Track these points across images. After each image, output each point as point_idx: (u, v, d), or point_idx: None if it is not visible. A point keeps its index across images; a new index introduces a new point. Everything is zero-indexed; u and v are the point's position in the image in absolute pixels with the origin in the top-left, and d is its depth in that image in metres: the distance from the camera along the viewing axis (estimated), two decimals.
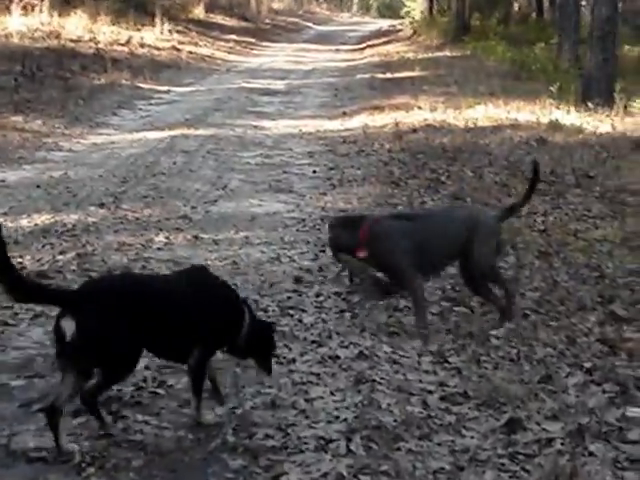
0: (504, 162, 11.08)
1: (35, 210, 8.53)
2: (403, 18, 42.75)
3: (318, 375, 4.90)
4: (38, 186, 9.55)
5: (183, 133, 13.18)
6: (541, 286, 6.52)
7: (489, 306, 5.88)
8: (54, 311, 5.67)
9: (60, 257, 7.07)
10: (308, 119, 15.25)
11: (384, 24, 46.78)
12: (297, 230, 8.14)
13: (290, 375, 4.93)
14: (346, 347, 5.31)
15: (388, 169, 10.71)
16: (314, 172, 10.77)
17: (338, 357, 5.15)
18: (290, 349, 5.30)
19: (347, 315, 5.89)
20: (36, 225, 8.01)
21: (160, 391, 4.72)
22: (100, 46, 20.55)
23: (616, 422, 4.35)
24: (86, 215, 8.44)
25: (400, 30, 38.63)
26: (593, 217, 8.71)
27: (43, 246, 7.38)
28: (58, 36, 19.76)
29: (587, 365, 5.07)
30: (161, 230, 8.03)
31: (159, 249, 7.48)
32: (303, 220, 8.49)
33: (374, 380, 4.79)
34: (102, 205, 8.83)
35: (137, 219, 8.39)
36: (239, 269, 6.94)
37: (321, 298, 6.27)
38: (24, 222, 8.08)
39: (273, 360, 4.69)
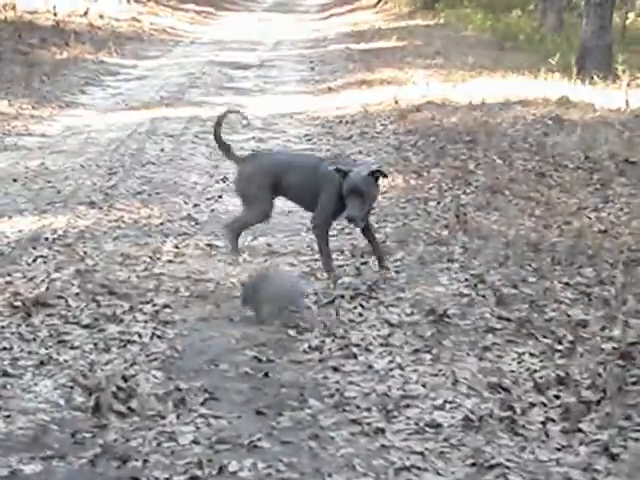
0: (526, 145, 10.04)
1: (17, 211, 7.39)
2: None
3: (422, 455, 3.83)
4: (15, 180, 8.36)
5: (163, 114, 11.97)
6: (639, 308, 5.47)
7: None
8: (62, 355, 4.64)
9: (57, 275, 5.92)
10: (292, 95, 14.12)
11: None
12: None
13: (385, 454, 3.86)
14: (442, 408, 4.24)
15: (403, 155, 9.63)
16: None
17: (439, 425, 4.08)
18: (370, 411, 4.22)
19: (426, 357, 4.81)
20: (21, 231, 6.84)
21: None
22: (58, 18, 19.11)
23: None
24: (76, 217, 7.28)
25: None
26: None
27: (34, 260, 6.23)
28: (14, 7, 18.31)
29: None
30: (167, 236, 6.91)
31: (170, 262, 6.35)
32: None
33: (500, 464, 3.73)
34: (92, 204, 7.68)
35: (136, 222, 7.25)
36: None
37: (385, 330, 5.18)
38: (6, 227, 6.92)
39: (351, 429, 3.88)
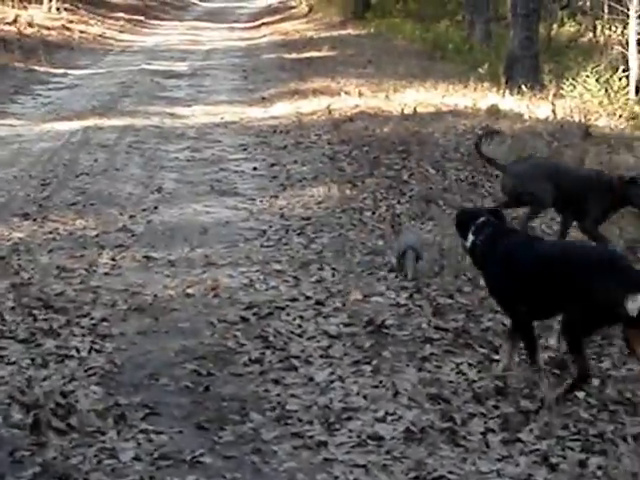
0: (458, 155, 10.17)
1: None
2: None
3: (365, 468, 3.85)
4: None
5: (96, 124, 11.86)
6: None
7: None
8: None
9: None
10: (226, 105, 14.07)
11: (273, 0, 45.41)
12: (261, 246, 7.04)
13: (328, 468, 3.87)
14: (383, 421, 4.27)
15: (337, 165, 9.68)
16: (254, 169, 9.66)
17: (382, 437, 4.10)
18: (312, 424, 4.23)
19: (367, 369, 4.83)
20: None
21: None
22: None
23: None
24: (10, 229, 7.20)
25: (293, 7, 37.38)
26: None
27: None
28: None
29: None
30: (103, 248, 6.85)
31: (107, 274, 6.31)
32: (264, 232, 7.39)
33: (442, 476, 3.77)
34: (26, 216, 7.61)
35: (71, 234, 7.18)
36: (210, 302, 5.81)
37: (325, 341, 5.19)
38: None
39: (294, 442, 3.92)
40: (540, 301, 4.57)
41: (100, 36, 23.97)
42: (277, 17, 33.36)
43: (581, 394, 4.48)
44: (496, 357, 4.94)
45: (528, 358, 4.62)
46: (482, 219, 4.90)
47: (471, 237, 4.88)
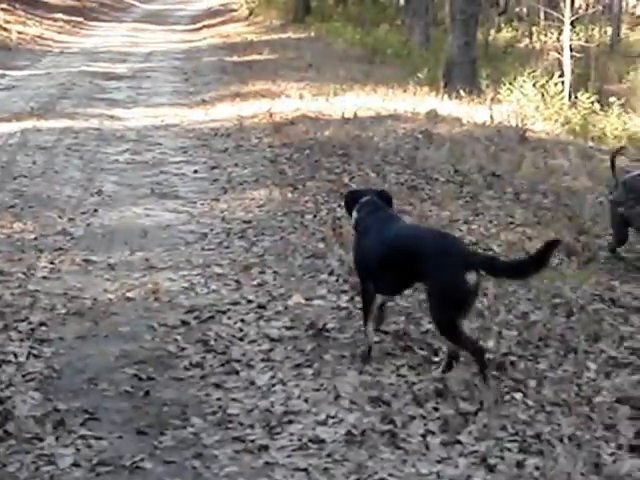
0: (398, 158, 10.24)
1: None
2: None
3: (306, 471, 3.86)
4: None
5: (34, 125, 11.72)
6: (510, 319, 5.65)
7: None
8: None
9: None
10: (166, 107, 13.99)
11: (214, 3, 45.21)
12: (202, 249, 7.01)
13: (269, 472, 3.88)
14: (325, 424, 4.28)
15: (279, 168, 9.67)
16: (195, 172, 9.62)
17: (323, 440, 4.12)
18: (253, 428, 4.23)
19: (308, 372, 4.85)
20: None
21: None
22: None
23: None
24: None
25: (234, 10, 37.26)
26: (520, 225, 7.96)
27: None
28: None
29: (630, 440, 4.19)
30: (42, 252, 6.78)
31: (45, 278, 6.24)
32: (205, 235, 7.37)
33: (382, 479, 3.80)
34: None
35: (9, 237, 7.10)
36: (151, 306, 5.78)
37: (266, 345, 5.19)
38: None
39: (235, 446, 3.96)
40: (385, 278, 4.90)
41: (38, 37, 23.70)
42: (218, 20, 33.24)
43: (518, 395, 4.54)
44: (436, 359, 4.98)
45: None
46: (366, 198, 5.22)
47: (355, 214, 5.23)
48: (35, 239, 7.08)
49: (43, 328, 5.36)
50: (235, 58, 20.75)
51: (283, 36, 25.32)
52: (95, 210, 7.99)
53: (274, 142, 11.04)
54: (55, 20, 27.96)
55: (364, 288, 5.04)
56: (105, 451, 4.02)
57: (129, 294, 5.97)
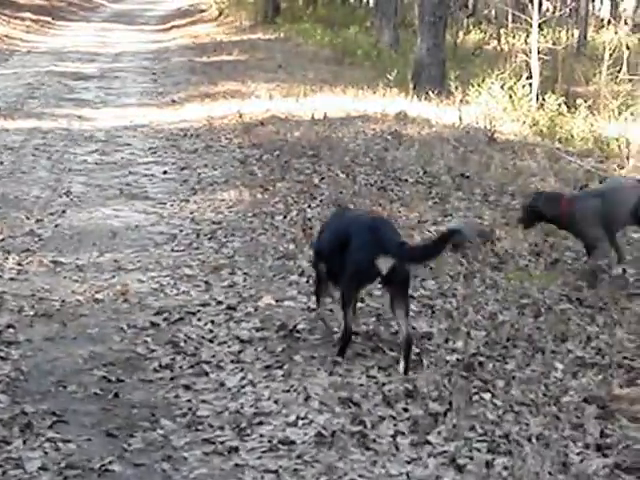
0: (367, 159, 10.26)
1: None
2: None
3: (276, 473, 3.86)
4: None
5: (1, 125, 11.65)
6: (478, 320, 5.68)
7: None
8: None
9: None
10: (135, 108, 13.94)
11: (183, 3, 45.07)
12: (172, 250, 6.99)
13: (239, 474, 3.87)
14: (295, 425, 4.28)
15: (248, 169, 9.66)
16: (165, 173, 9.60)
17: (293, 442, 4.12)
18: (223, 430, 4.23)
19: (278, 373, 4.85)
20: None
21: None
22: None
23: None
24: None
25: (204, 10, 37.17)
26: (488, 226, 7.99)
27: None
28: None
29: (597, 439, 4.23)
30: (9, 253, 6.73)
31: (12, 279, 6.20)
32: (174, 236, 7.34)
33: None
34: None
35: None
36: (120, 308, 5.75)
37: (236, 346, 5.19)
38: None
39: (205, 448, 3.97)
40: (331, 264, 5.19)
41: (6, 36, 23.49)
42: (187, 20, 33.14)
43: (487, 396, 4.58)
44: None
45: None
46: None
47: None
48: (2, 240, 7.02)
49: (10, 330, 5.32)
50: (205, 59, 20.70)
51: (253, 37, 25.29)
52: (63, 211, 7.94)
53: (244, 143, 11.03)
54: (23, 19, 27.72)
55: (317, 272, 5.39)
56: (73, 454, 4.00)
57: (98, 295, 5.94)
